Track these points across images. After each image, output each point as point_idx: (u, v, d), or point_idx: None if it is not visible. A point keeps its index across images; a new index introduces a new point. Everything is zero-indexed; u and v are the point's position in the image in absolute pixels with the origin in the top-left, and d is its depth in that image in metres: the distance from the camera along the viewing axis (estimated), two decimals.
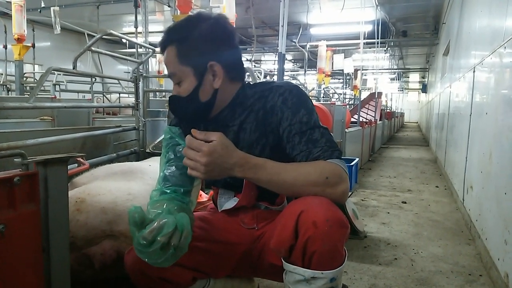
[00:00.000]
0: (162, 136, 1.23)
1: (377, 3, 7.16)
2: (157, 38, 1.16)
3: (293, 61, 15.98)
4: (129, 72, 9.14)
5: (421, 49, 13.01)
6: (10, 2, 4.79)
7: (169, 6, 6.83)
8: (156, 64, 9.16)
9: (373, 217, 3.01)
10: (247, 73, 2.84)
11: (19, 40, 4.90)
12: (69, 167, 1.32)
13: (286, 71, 9.72)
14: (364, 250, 2.29)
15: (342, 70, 9.54)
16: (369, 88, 13.85)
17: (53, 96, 5.31)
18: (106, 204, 1.42)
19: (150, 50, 3.78)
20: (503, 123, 1.95)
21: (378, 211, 3.19)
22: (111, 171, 1.76)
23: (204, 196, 1.91)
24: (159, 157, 1.18)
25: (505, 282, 1.68)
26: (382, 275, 1.94)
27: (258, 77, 6.00)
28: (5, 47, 7.42)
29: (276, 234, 0.96)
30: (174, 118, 1.19)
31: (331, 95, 9.63)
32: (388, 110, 13.21)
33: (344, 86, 11.89)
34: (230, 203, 1.17)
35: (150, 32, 6.03)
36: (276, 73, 3.32)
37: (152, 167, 1.90)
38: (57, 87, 6.46)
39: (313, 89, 8.79)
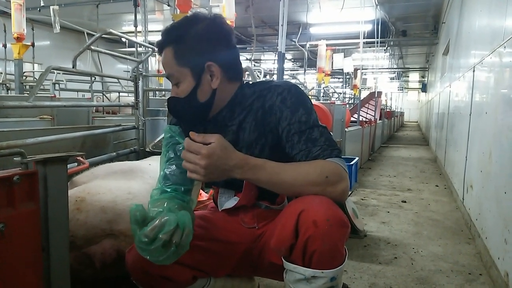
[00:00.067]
0: (162, 135, 1.24)
1: (376, 3, 7.16)
2: (156, 37, 1.17)
3: (293, 60, 15.98)
4: (129, 71, 9.12)
5: (421, 49, 13.01)
6: (10, 1, 4.78)
7: (168, 5, 6.83)
8: (156, 63, 9.16)
9: (373, 216, 3.01)
10: (247, 72, 2.84)
11: (19, 39, 4.90)
12: (68, 166, 1.32)
13: (285, 71, 9.72)
14: (364, 249, 2.29)
15: (342, 69, 9.54)
16: (369, 87, 13.85)
17: (52, 95, 5.31)
18: (106, 203, 1.42)
19: (149, 49, 3.78)
20: (503, 122, 1.95)
21: (378, 210, 3.19)
22: (111, 170, 1.76)
23: (204, 195, 1.91)
24: (159, 156, 1.18)
25: (505, 281, 1.68)
26: (382, 274, 1.94)
27: (258, 76, 6.00)
28: (5, 46, 7.42)
29: (276, 233, 0.96)
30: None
31: (330, 94, 9.62)
32: (387, 110, 13.20)
33: (344, 85, 11.89)
34: (230, 202, 1.17)
35: (149, 31, 6.04)
36: (276, 72, 3.32)
37: (152, 166, 1.90)
38: (57, 86, 6.48)
39: (312, 88, 8.78)
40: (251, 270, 1.23)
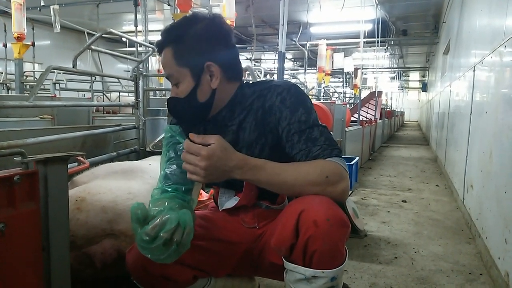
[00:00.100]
0: (162, 135, 1.24)
1: (377, 2, 7.15)
2: (157, 37, 1.17)
3: (293, 60, 15.98)
4: (129, 71, 9.13)
5: (421, 48, 13.00)
6: (10, 0, 4.78)
7: (169, 5, 6.83)
8: (156, 62, 9.16)
9: (373, 216, 3.01)
10: (247, 72, 2.84)
11: (19, 38, 4.90)
12: (69, 165, 1.32)
13: (286, 70, 9.70)
14: (365, 249, 2.29)
15: (342, 69, 9.53)
16: (369, 87, 13.83)
17: (53, 95, 5.31)
18: (107, 203, 1.42)
19: (150, 48, 3.78)
20: (503, 122, 1.95)
21: (378, 210, 3.19)
22: (111, 170, 1.76)
23: (204, 195, 1.91)
24: (159, 156, 1.17)
25: (506, 281, 1.68)
26: (382, 274, 1.94)
27: (258, 76, 6.00)
28: (5, 45, 7.42)
29: (276, 233, 0.96)
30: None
31: (331, 94, 9.62)
32: (388, 109, 13.21)
33: (344, 85, 11.88)
34: (230, 202, 1.17)
35: (150, 31, 6.04)
36: (276, 72, 3.32)
37: (152, 166, 1.90)
38: (57, 86, 6.48)
39: (313, 88, 8.78)
40: (251, 270, 1.23)
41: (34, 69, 8.43)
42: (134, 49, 6.14)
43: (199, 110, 1.07)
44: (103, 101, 7.52)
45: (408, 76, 22.94)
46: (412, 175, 4.99)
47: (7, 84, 6.89)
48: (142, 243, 0.89)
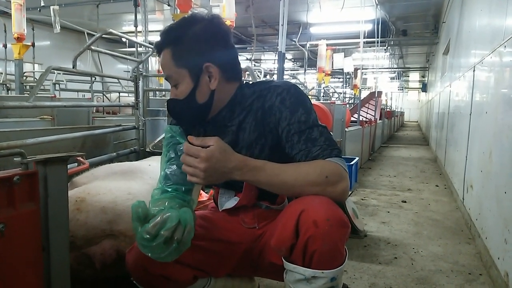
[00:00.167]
0: (162, 135, 1.24)
1: (377, 2, 7.16)
2: (157, 37, 1.17)
3: (293, 60, 15.98)
4: (129, 71, 9.14)
5: (421, 48, 13.00)
6: (10, 1, 4.78)
7: (168, 5, 6.83)
8: (156, 63, 9.15)
9: (373, 216, 3.01)
10: (247, 72, 2.84)
11: (19, 39, 4.90)
12: (69, 166, 1.32)
13: (286, 70, 9.72)
14: (364, 249, 2.29)
15: (342, 69, 9.54)
16: (369, 87, 13.84)
17: (52, 95, 5.31)
18: (106, 203, 1.42)
19: (150, 49, 3.78)
20: (503, 122, 1.95)
21: (378, 210, 3.19)
22: (111, 171, 1.76)
23: (204, 196, 1.91)
24: (159, 157, 1.18)
25: (505, 281, 1.68)
26: (382, 274, 1.94)
27: (258, 76, 6.00)
28: (5, 46, 7.43)
29: (276, 233, 0.96)
30: None
31: (331, 94, 9.62)
32: (388, 109, 13.21)
33: (344, 85, 11.88)
34: (230, 202, 1.17)
35: (150, 31, 6.04)
36: (276, 72, 3.32)
37: (152, 166, 1.90)
38: (57, 86, 6.48)
39: (313, 88, 8.78)
40: (251, 270, 1.23)
41: (34, 69, 8.44)
42: (134, 49, 6.14)
43: (199, 111, 1.07)
44: (103, 101, 7.53)
45: (408, 76, 22.95)
46: (412, 175, 5.00)
47: (7, 85, 6.89)
48: (142, 242, 0.89)
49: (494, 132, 2.12)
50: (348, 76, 10.82)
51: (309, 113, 1.03)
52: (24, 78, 5.88)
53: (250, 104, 1.08)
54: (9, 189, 0.81)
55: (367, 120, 6.98)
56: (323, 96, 8.58)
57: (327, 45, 8.43)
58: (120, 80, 7.35)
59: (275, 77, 6.51)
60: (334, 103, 4.68)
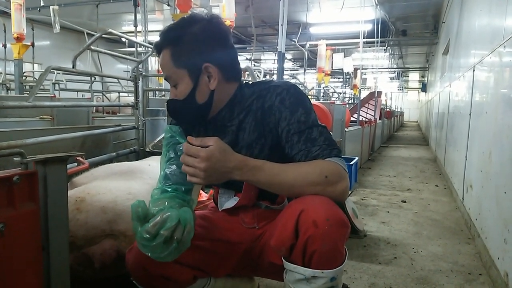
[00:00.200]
0: (162, 135, 1.24)
1: (376, 2, 7.16)
2: (156, 37, 1.17)
3: (292, 60, 15.98)
4: (129, 71, 9.13)
5: (421, 48, 13.01)
6: (10, 1, 4.78)
7: (168, 5, 6.83)
8: (156, 63, 9.14)
9: (372, 216, 3.01)
10: (247, 72, 2.84)
11: (19, 39, 4.89)
12: (68, 166, 1.32)
13: (285, 70, 9.73)
14: (364, 249, 2.29)
15: (342, 69, 9.54)
16: (368, 87, 13.85)
17: (52, 95, 5.32)
18: (106, 203, 1.42)
19: (149, 49, 3.77)
20: (503, 122, 1.95)
21: (378, 210, 3.19)
22: (111, 171, 1.76)
23: (204, 195, 1.91)
24: (159, 156, 1.18)
25: (505, 281, 1.68)
26: (381, 274, 1.94)
27: (258, 76, 6.00)
28: (5, 46, 7.42)
29: (276, 233, 0.96)
30: None
31: (330, 94, 9.62)
32: (387, 109, 13.20)
33: (344, 85, 11.89)
34: (230, 202, 1.17)
35: (149, 31, 6.04)
36: (275, 72, 3.32)
37: (152, 166, 1.90)
38: (57, 86, 6.48)
39: (312, 88, 8.78)
40: (251, 270, 1.23)
41: (33, 69, 8.43)
42: (133, 49, 6.14)
43: (198, 111, 1.07)
44: (103, 101, 7.52)
45: (408, 76, 22.96)
46: (411, 175, 5.00)
47: (7, 85, 6.88)
48: (142, 241, 0.89)
49: (494, 132, 2.12)
50: (347, 76, 10.83)
51: (308, 113, 1.03)
52: (24, 78, 5.88)
53: (250, 104, 1.08)
54: (9, 189, 0.81)
55: (366, 120, 6.99)
56: (322, 96, 8.58)
57: (326, 45, 8.43)
58: (119, 80, 7.35)
59: (274, 77, 6.51)
60: (334, 103, 4.68)
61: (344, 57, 9.22)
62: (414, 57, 15.54)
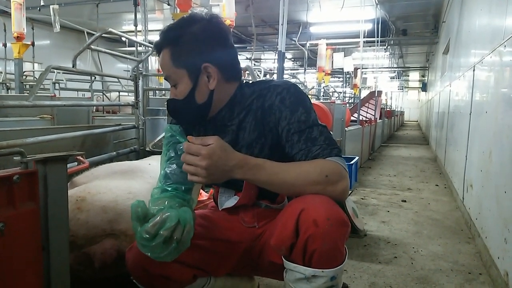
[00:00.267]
0: (162, 135, 1.24)
1: (377, 2, 7.15)
2: (156, 37, 1.18)
3: (293, 59, 15.98)
4: (129, 71, 9.13)
5: (421, 48, 13.01)
6: (10, 0, 4.78)
7: (168, 5, 6.83)
8: (156, 62, 9.14)
9: (373, 215, 3.01)
10: (247, 72, 2.84)
11: (19, 38, 4.90)
12: (68, 165, 1.32)
13: (286, 70, 9.72)
14: (364, 248, 2.29)
15: (342, 68, 9.53)
16: (369, 86, 13.83)
17: (52, 95, 5.31)
18: (107, 202, 1.42)
19: (149, 48, 3.78)
20: (503, 121, 1.95)
21: (378, 209, 3.19)
22: (111, 171, 1.76)
23: (204, 195, 1.91)
24: (159, 156, 1.18)
25: (505, 281, 1.68)
26: (382, 274, 1.94)
27: (258, 75, 5.99)
28: (5, 45, 7.43)
29: (276, 233, 0.96)
30: None
31: (331, 93, 9.62)
32: (388, 109, 13.20)
33: (344, 84, 11.89)
34: (230, 201, 1.17)
35: (149, 31, 6.04)
36: (276, 71, 3.32)
37: (152, 165, 1.90)
38: (57, 86, 6.48)
39: (313, 87, 8.78)
40: (251, 269, 1.23)
41: (33, 68, 8.43)
42: (133, 48, 6.14)
43: (198, 111, 1.07)
44: (103, 100, 7.51)
45: (408, 75, 22.94)
46: (411, 175, 5.00)
47: (7, 84, 6.89)
48: (142, 241, 0.89)
49: (494, 132, 2.12)
50: (348, 76, 10.83)
51: (309, 113, 1.03)
52: (24, 77, 5.88)
53: (250, 104, 1.08)
54: (9, 188, 0.81)
55: (367, 119, 6.98)
56: (323, 96, 8.58)
57: (327, 44, 8.44)
58: (120, 79, 7.36)
59: (275, 76, 6.51)
60: (334, 102, 4.68)
61: (344, 56, 9.22)
62: (415, 56, 15.54)
